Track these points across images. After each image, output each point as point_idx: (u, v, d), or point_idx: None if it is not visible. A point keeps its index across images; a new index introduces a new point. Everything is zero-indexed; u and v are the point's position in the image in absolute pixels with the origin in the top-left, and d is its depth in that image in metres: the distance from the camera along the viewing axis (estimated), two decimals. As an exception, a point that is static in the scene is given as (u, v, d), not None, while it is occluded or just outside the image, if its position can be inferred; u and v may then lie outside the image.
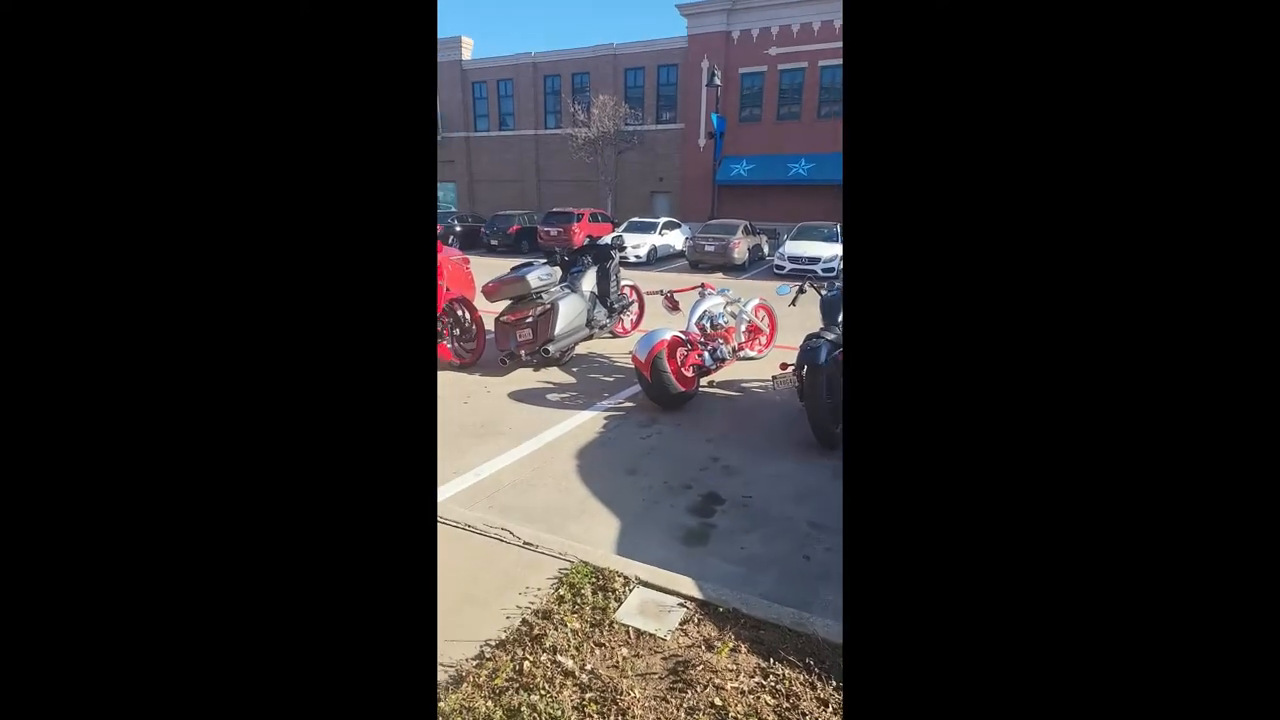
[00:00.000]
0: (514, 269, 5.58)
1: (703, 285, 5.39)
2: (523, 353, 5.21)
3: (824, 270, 13.17)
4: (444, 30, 26.83)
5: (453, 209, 26.07)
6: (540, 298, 5.20)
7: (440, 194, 28.83)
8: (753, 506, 3.02)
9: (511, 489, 3.18)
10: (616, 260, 6.48)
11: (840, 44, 19.81)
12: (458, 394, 4.74)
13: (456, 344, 5.39)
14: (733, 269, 14.30)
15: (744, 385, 5.03)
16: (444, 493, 3.11)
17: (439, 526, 2.62)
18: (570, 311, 5.35)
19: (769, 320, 5.81)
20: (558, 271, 5.52)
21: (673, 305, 5.50)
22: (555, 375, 5.27)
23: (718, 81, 18.73)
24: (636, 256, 15.04)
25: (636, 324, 6.83)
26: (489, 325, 5.63)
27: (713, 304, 5.13)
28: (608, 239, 6.76)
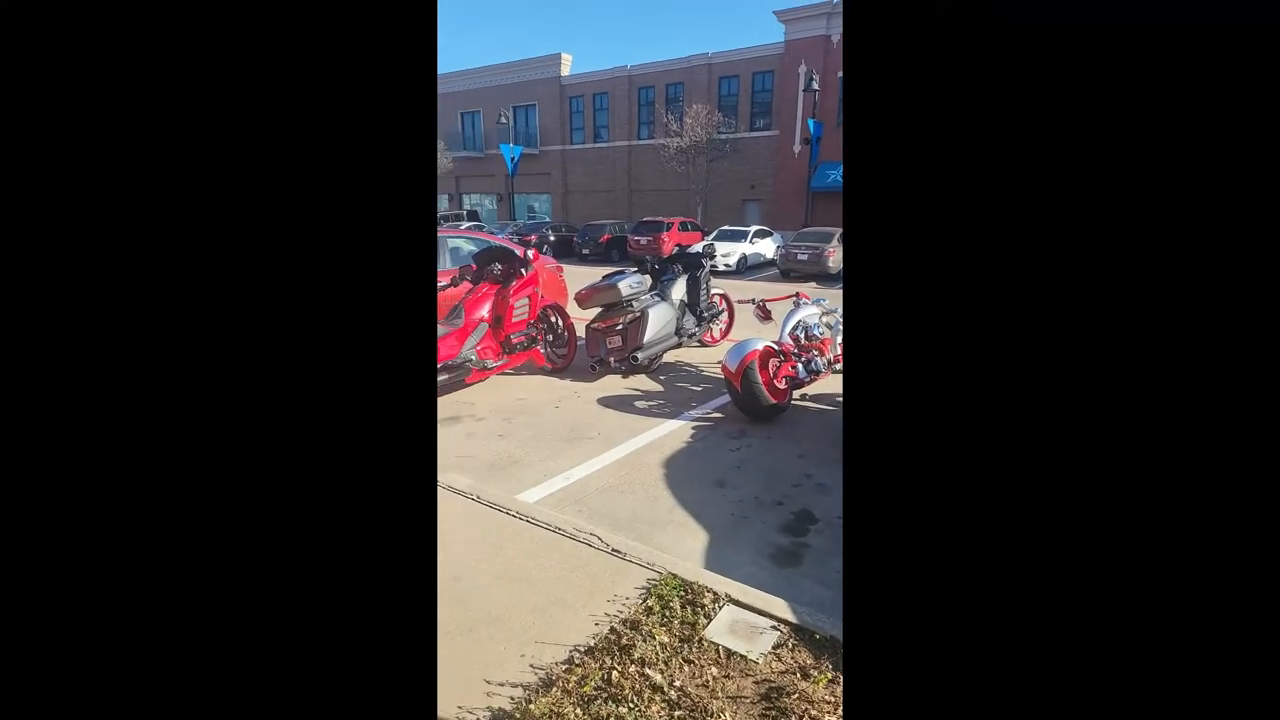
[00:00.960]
0: (605, 277, 5.66)
1: (797, 295, 5.23)
2: (612, 359, 5.26)
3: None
4: (545, 48, 27.81)
5: (546, 219, 26.98)
6: (630, 305, 5.24)
7: (535, 204, 29.99)
8: (849, 528, 2.86)
9: (600, 494, 3.19)
10: (707, 269, 6.43)
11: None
12: (549, 398, 4.86)
13: (549, 349, 5.54)
14: (826, 279, 13.84)
15: (840, 400, 4.81)
16: (534, 495, 3.17)
17: (530, 528, 2.67)
18: (660, 319, 5.35)
19: None
20: (648, 280, 5.55)
21: (765, 315, 5.37)
22: (644, 383, 5.28)
23: (815, 86, 18.26)
24: (726, 265, 14.90)
25: (726, 333, 6.74)
26: (580, 332, 5.74)
27: (807, 314, 4.95)
28: (698, 247, 6.73)
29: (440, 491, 2.99)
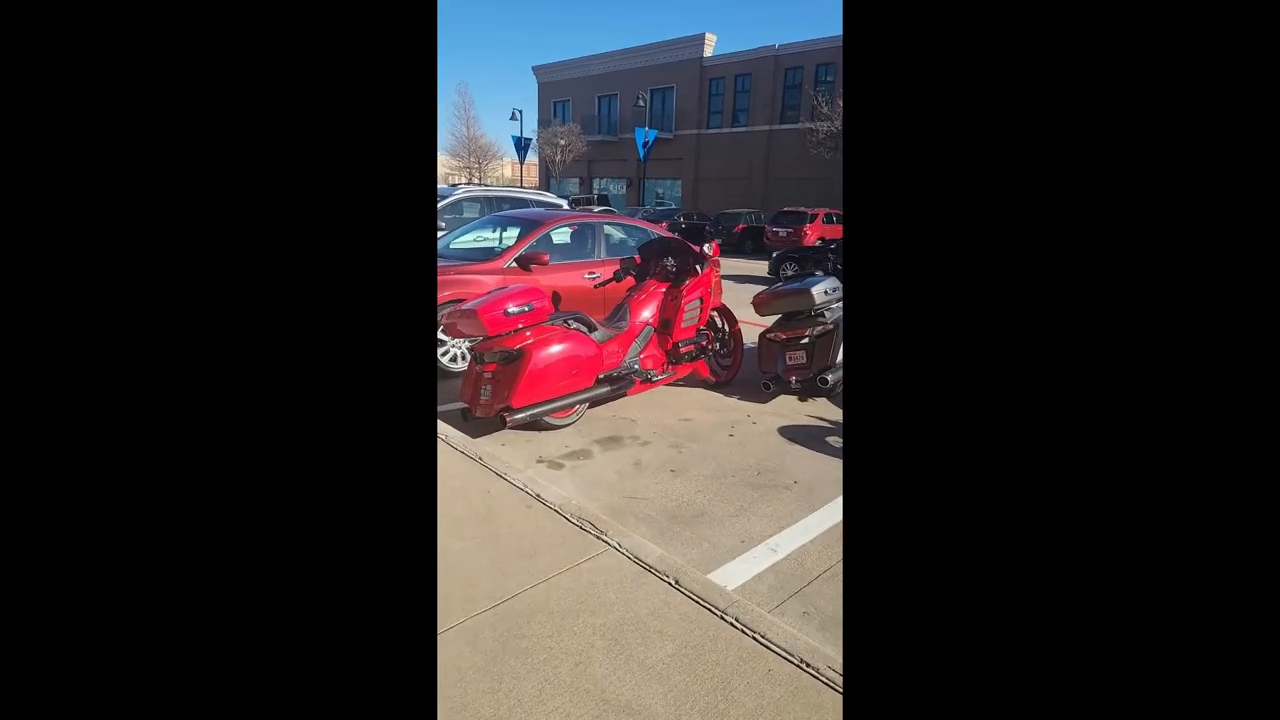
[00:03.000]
0: (789, 280, 4.78)
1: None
2: (792, 379, 4.38)
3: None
4: (688, 28, 27.02)
5: (674, 206, 26.26)
6: (822, 316, 4.32)
7: (662, 190, 29.36)
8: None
9: (825, 585, 2.36)
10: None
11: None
12: (719, 421, 4.07)
13: (713, 360, 4.75)
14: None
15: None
16: (735, 573, 2.40)
17: (738, 635, 1.90)
18: (855, 335, 4.39)
19: None
20: (838, 285, 4.59)
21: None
22: (826, 409, 4.36)
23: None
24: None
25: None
26: (747, 338, 4.91)
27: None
28: None
29: (619, 556, 2.30)
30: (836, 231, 16.22)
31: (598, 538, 2.43)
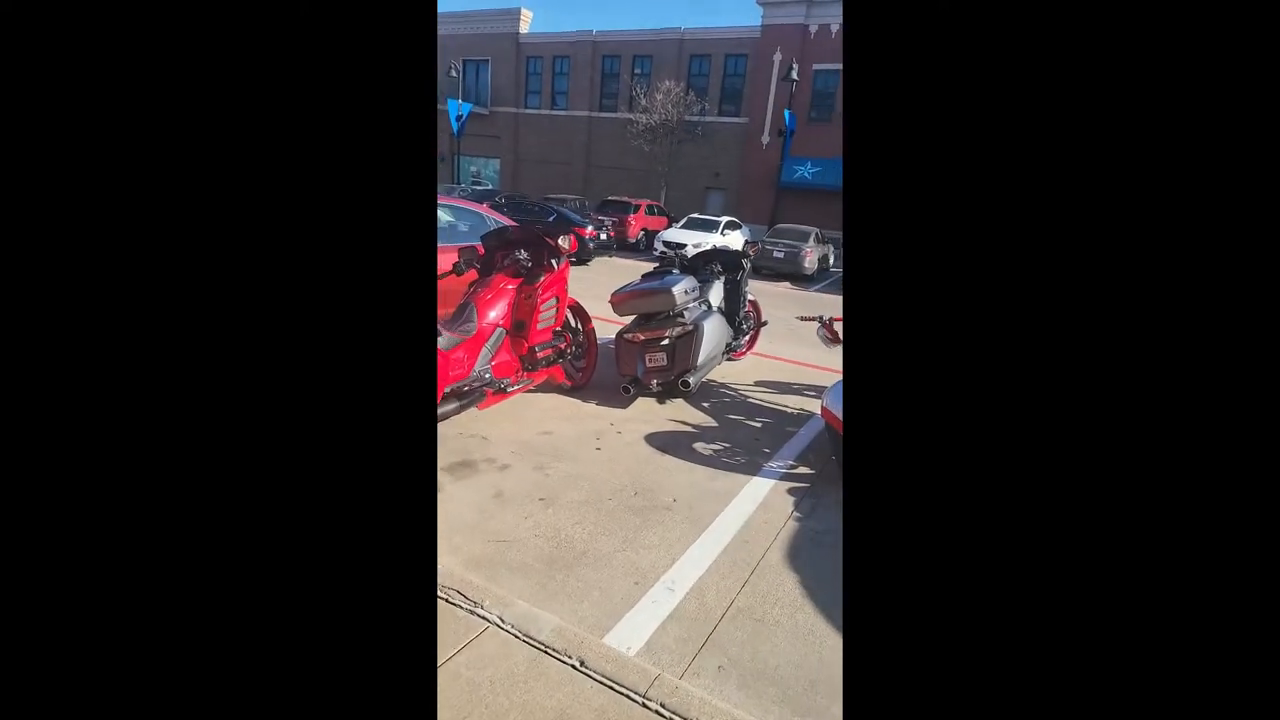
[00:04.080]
0: (646, 276, 4.54)
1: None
2: (653, 381, 4.17)
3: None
4: (504, 0, 25.74)
5: (490, 186, 24.97)
6: (682, 316, 4.15)
7: (480, 169, 27.81)
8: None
9: (731, 625, 2.14)
10: (747, 270, 5.43)
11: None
12: (583, 431, 3.71)
13: (568, 363, 4.35)
14: (801, 279, 13.22)
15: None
16: (636, 627, 2.08)
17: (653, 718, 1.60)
18: (715, 335, 4.31)
19: None
20: (697, 285, 4.47)
21: (835, 337, 4.45)
22: (686, 410, 4.23)
23: (794, 77, 17.50)
24: (689, 256, 13.91)
25: (751, 345, 5.79)
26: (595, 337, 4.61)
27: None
28: (714, 241, 5.70)
29: (504, 635, 1.84)
30: (658, 223, 16.59)
31: (472, 612, 1.95)
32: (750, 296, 5.70)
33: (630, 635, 2.04)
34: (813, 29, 20.13)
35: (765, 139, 21.02)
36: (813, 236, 13.80)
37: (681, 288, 4.11)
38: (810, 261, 13.28)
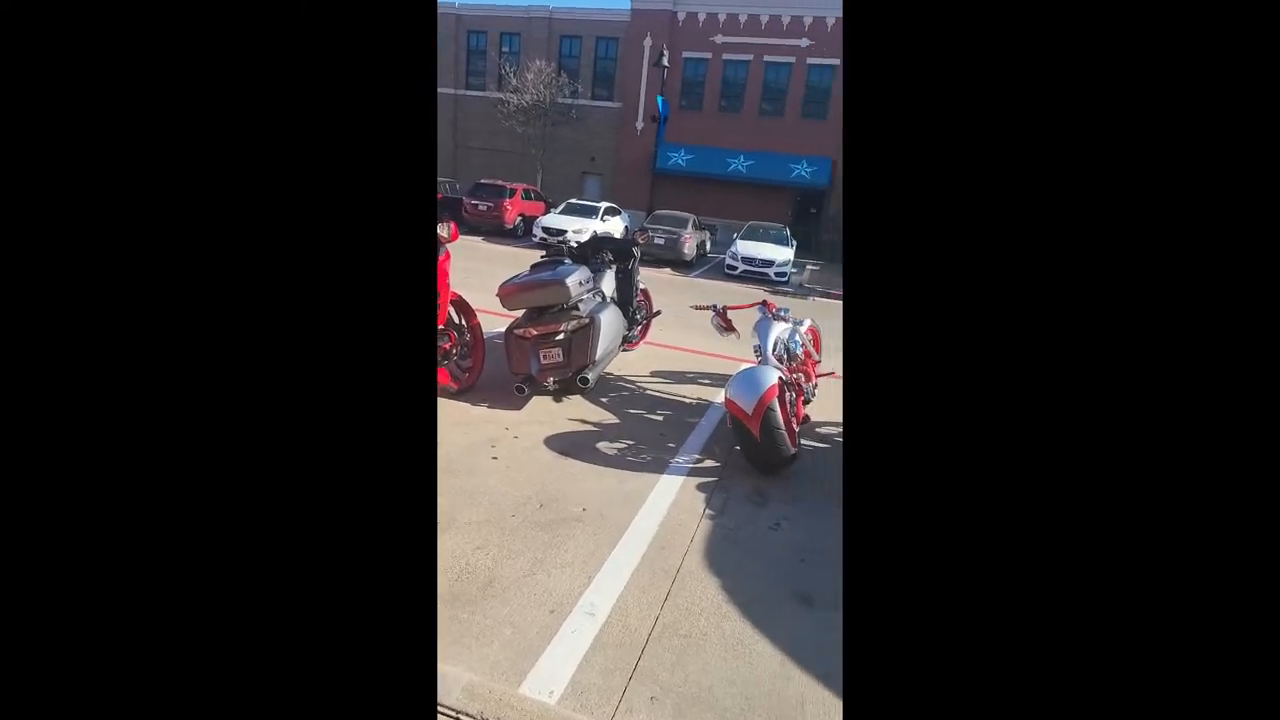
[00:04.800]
0: (536, 267, 4.24)
1: (764, 302, 4.34)
2: (549, 380, 3.91)
3: (776, 274, 12.66)
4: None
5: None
6: (577, 309, 3.92)
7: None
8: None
9: (658, 647, 1.99)
10: (638, 258, 5.30)
11: (786, 42, 19.57)
12: (477, 439, 3.38)
13: (453, 363, 3.97)
14: (681, 266, 13.42)
15: (828, 432, 4.09)
16: (556, 662, 1.87)
17: None
18: (612, 328, 4.12)
19: (817, 348, 4.88)
20: (590, 275, 4.25)
21: (727, 326, 4.43)
22: (584, 408, 4.03)
23: (665, 63, 17.61)
24: (574, 244, 13.64)
25: (644, 335, 5.69)
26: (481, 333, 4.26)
27: (783, 329, 4.11)
28: (611, 228, 5.53)
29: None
30: (535, 208, 16.07)
31: (363, 679, 1.62)
32: (642, 285, 5.58)
33: (551, 676, 1.82)
34: (681, 16, 20.35)
35: (639, 125, 21.04)
36: (690, 223, 14.02)
37: (575, 279, 3.88)
38: (689, 248, 13.50)
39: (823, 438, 4.00)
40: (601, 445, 3.49)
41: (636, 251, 5.25)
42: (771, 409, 3.17)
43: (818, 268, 14.24)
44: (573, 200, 16.10)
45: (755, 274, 12.66)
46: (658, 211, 15.29)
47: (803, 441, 3.72)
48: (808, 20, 19.24)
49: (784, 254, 12.97)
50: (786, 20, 19.46)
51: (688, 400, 4.44)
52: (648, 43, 20.49)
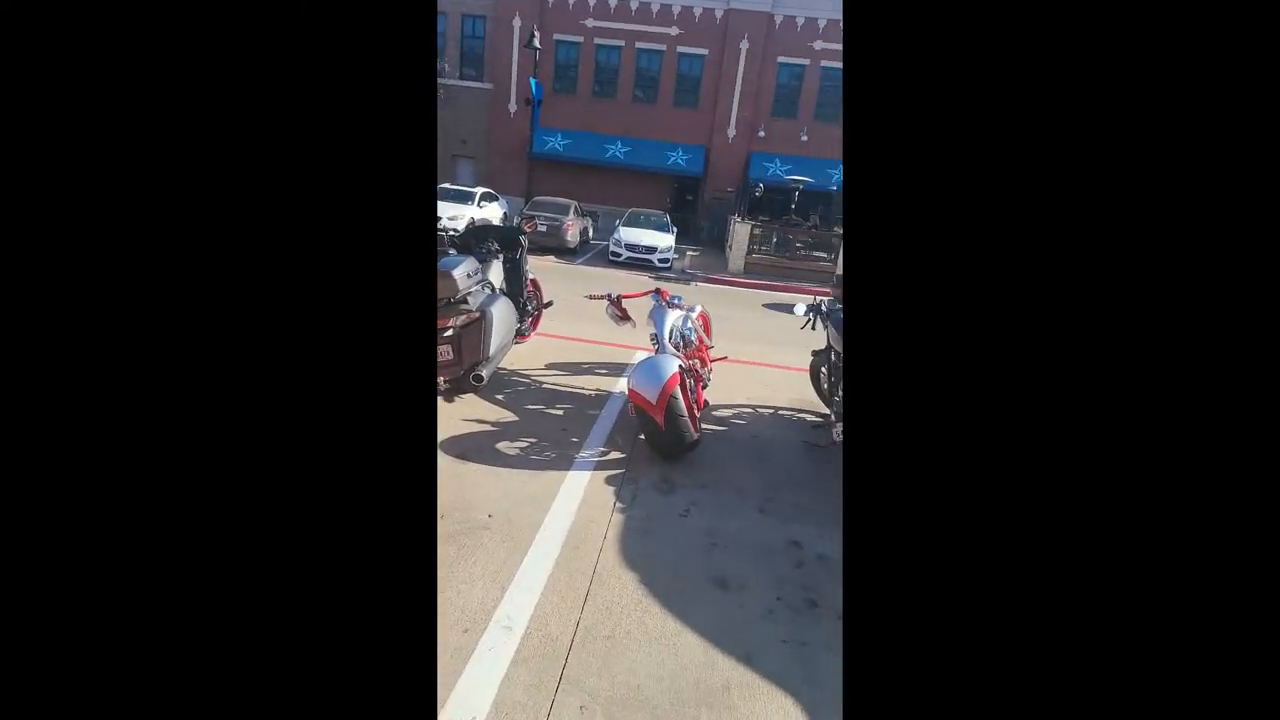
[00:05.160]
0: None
1: (658, 290, 4.37)
2: (441, 379, 3.67)
3: (659, 261, 12.89)
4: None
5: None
6: (466, 302, 3.70)
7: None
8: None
9: (582, 653, 1.93)
10: (526, 247, 5.11)
11: (656, 29, 19.78)
12: (359, 451, 3.09)
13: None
14: (564, 253, 13.25)
15: (727, 415, 4.21)
16: (476, 682, 1.75)
17: None
18: (504, 321, 3.94)
19: (708, 332, 5.01)
20: (478, 266, 4.04)
21: (623, 315, 4.40)
22: (480, 408, 3.84)
23: (537, 45, 17.13)
24: (454, 232, 12.99)
25: (535, 326, 5.53)
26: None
27: (677, 316, 4.17)
28: (488, 214, 5.30)
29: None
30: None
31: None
32: (531, 275, 5.40)
33: (473, 698, 1.71)
34: (550, -3, 19.88)
35: (512, 108, 20.39)
36: (572, 209, 13.85)
37: (463, 270, 3.66)
38: (572, 234, 13.34)
39: (720, 420, 4.11)
40: (502, 446, 3.34)
41: (524, 240, 5.07)
42: (675, 397, 3.19)
43: (697, 253, 14.66)
44: (445, 185, 15.29)
45: (639, 260, 12.78)
46: (538, 198, 14.94)
47: (702, 425, 3.80)
48: (676, 9, 19.55)
49: (666, 240, 13.20)
50: (656, 8, 19.65)
51: (586, 392, 4.38)
52: (517, 23, 19.84)
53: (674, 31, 19.75)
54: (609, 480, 3.09)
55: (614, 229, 13.81)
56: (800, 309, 4.20)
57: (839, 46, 19.22)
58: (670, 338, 3.89)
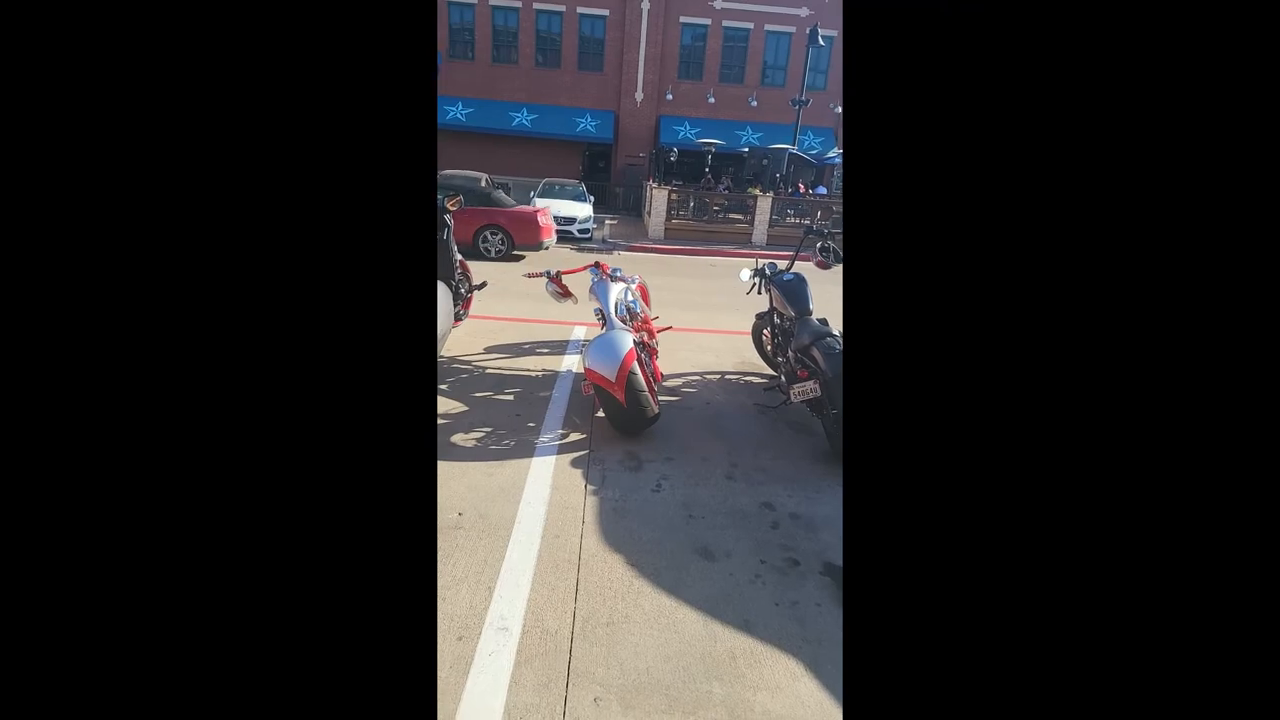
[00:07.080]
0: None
1: (597, 264, 4.29)
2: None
3: (579, 231, 12.67)
4: None
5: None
6: (400, 290, 3.46)
7: None
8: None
9: (585, 643, 1.90)
10: (451, 227, 4.84)
11: (555, -11, 19.00)
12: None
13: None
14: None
15: (683, 387, 4.21)
16: (480, 695, 1.68)
17: None
18: (443, 307, 3.72)
19: (647, 302, 4.98)
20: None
21: (564, 292, 4.27)
22: (424, 400, 3.64)
23: (428, 5, 16.01)
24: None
25: (467, 308, 5.30)
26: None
27: (620, 289, 4.11)
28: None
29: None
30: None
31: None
32: (458, 256, 5.14)
33: (481, 710, 1.64)
34: (437, -46, 18.57)
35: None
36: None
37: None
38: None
39: (672, 390, 4.12)
40: (457, 439, 3.19)
41: (449, 219, 4.79)
42: (634, 373, 3.15)
43: (615, 221, 14.52)
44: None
45: (559, 231, 12.50)
46: (445, 171, 14.19)
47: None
48: (573, -33, 18.84)
49: (584, 210, 12.97)
50: (551, -35, 18.84)
51: (533, 373, 4.26)
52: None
53: (572, -9, 19.07)
54: (574, 463, 3.02)
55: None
56: (746, 274, 4.24)
57: (740, 5, 19.26)
58: (616, 311, 3.83)
